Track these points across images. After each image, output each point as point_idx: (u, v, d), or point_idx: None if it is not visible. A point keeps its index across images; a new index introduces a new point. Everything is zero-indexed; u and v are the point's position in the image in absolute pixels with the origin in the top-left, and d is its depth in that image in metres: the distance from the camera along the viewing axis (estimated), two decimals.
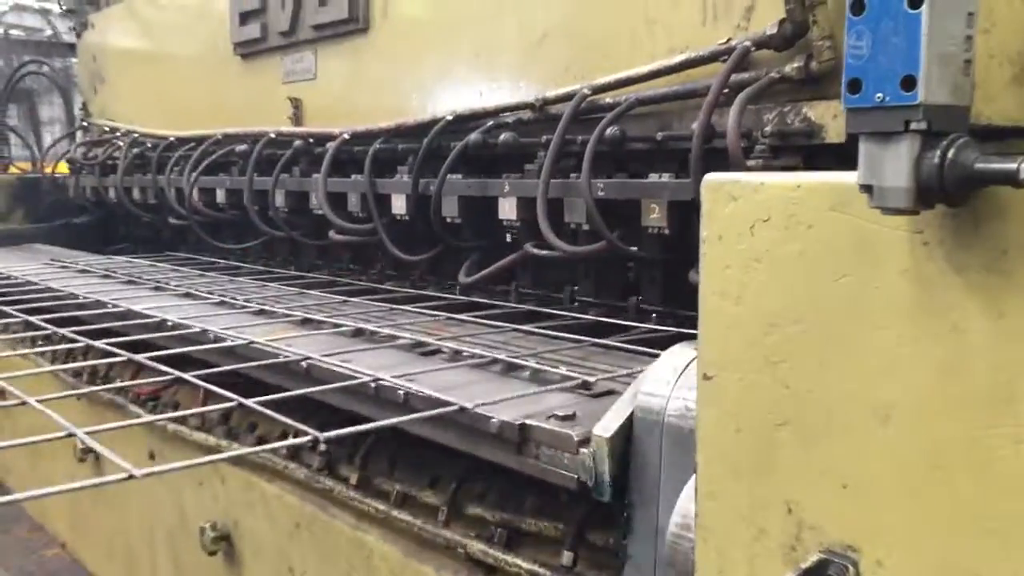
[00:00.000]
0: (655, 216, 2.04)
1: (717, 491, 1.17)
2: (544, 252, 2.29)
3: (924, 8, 0.82)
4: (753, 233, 1.09)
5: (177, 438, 2.40)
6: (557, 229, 2.19)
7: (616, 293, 2.47)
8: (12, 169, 5.75)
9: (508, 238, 2.46)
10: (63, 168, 5.13)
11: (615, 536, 1.45)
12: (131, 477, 1.19)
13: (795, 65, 1.78)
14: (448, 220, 2.59)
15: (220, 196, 3.64)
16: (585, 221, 2.17)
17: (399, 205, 2.73)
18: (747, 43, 1.84)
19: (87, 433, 1.37)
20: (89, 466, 2.85)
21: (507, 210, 2.40)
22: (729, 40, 1.91)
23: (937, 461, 0.96)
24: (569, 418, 1.44)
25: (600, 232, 2.09)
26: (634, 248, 2.15)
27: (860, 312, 1.00)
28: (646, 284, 2.34)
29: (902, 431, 0.99)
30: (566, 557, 1.48)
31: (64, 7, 5.40)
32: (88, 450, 2.84)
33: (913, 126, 0.85)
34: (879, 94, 0.86)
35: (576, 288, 2.52)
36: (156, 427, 2.47)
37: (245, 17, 3.56)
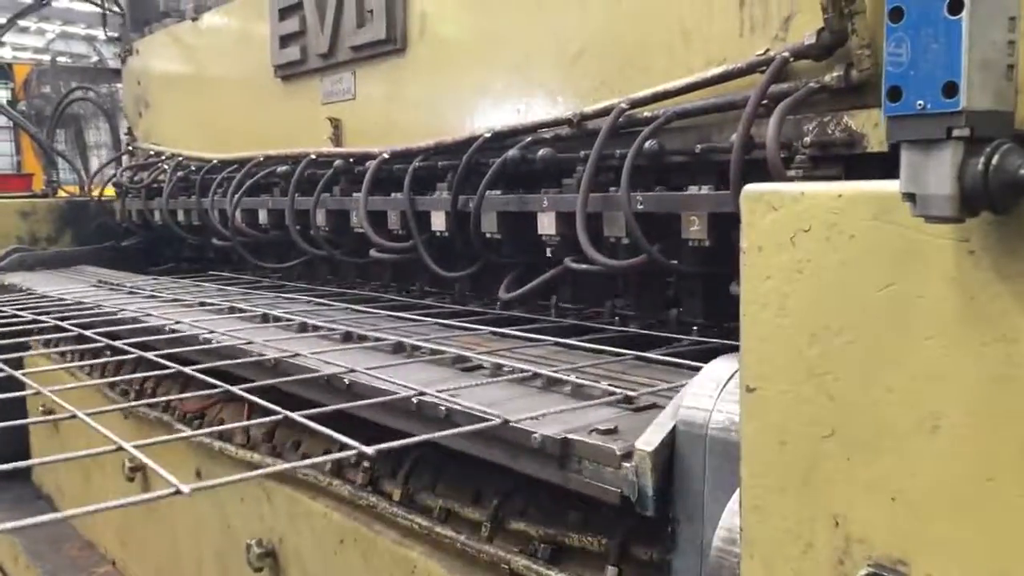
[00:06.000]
0: (695, 229, 2.03)
1: (762, 505, 1.16)
2: (583, 267, 2.29)
3: (964, 13, 0.81)
4: (794, 243, 1.08)
5: (223, 456, 2.42)
6: (597, 243, 2.19)
7: (657, 306, 2.46)
8: (60, 193, 5.88)
9: (548, 252, 2.46)
10: (109, 191, 5.24)
11: (659, 551, 1.44)
12: (178, 492, 1.21)
13: (834, 74, 1.77)
14: (488, 236, 2.61)
15: (262, 217, 3.69)
16: (625, 235, 2.17)
17: (439, 222, 2.75)
18: (785, 54, 1.83)
19: (135, 447, 1.39)
20: (138, 485, 2.89)
21: (546, 225, 2.40)
22: (767, 51, 1.90)
23: (988, 472, 0.94)
24: (611, 432, 1.44)
25: (640, 246, 2.09)
26: (674, 261, 2.14)
27: (905, 322, 0.99)
28: (687, 297, 2.33)
29: (951, 442, 0.97)
30: (610, 572, 1.48)
31: (109, 34, 5.53)
32: (137, 468, 2.91)
33: (956, 133, 0.84)
34: (920, 101, 0.85)
35: (617, 300, 2.52)
36: (202, 445, 2.50)
37: (285, 40, 3.62)
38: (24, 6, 6.26)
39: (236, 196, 3.64)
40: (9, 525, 1.20)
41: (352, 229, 3.19)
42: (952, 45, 0.82)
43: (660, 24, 2.15)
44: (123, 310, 2.95)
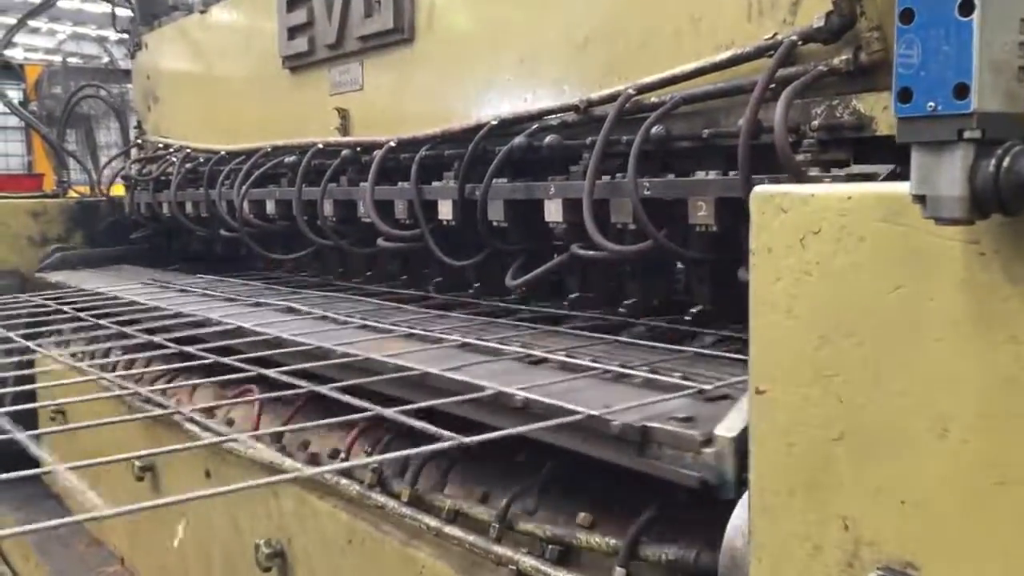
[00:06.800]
0: (702, 214, 2.01)
1: (771, 507, 1.15)
2: (591, 253, 2.27)
3: (975, 15, 0.80)
4: (804, 245, 1.07)
5: (232, 455, 2.42)
6: (604, 230, 2.18)
7: (662, 295, 2.45)
8: (71, 193, 5.88)
9: (555, 241, 2.44)
10: (118, 190, 5.23)
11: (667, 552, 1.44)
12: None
13: (843, 57, 1.75)
14: (495, 224, 2.59)
15: (270, 207, 3.68)
16: (632, 221, 2.15)
17: (445, 211, 2.73)
18: (793, 37, 1.81)
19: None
20: (147, 484, 2.89)
21: (553, 212, 2.38)
22: (775, 35, 1.87)
23: (998, 475, 0.93)
24: (689, 420, 1.44)
25: (647, 231, 2.07)
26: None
27: (915, 324, 0.98)
28: (695, 284, 2.32)
29: (961, 445, 0.96)
30: (618, 573, 1.47)
31: (119, 32, 5.51)
32: (146, 469, 2.91)
33: (967, 135, 0.83)
34: (931, 103, 0.84)
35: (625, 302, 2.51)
36: (210, 446, 2.48)
37: (293, 31, 3.59)
38: (33, 6, 6.24)
39: (243, 187, 3.63)
40: (19, 530, 1.20)
41: (359, 219, 3.18)
42: (963, 47, 0.81)
43: (667, 9, 2.13)
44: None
